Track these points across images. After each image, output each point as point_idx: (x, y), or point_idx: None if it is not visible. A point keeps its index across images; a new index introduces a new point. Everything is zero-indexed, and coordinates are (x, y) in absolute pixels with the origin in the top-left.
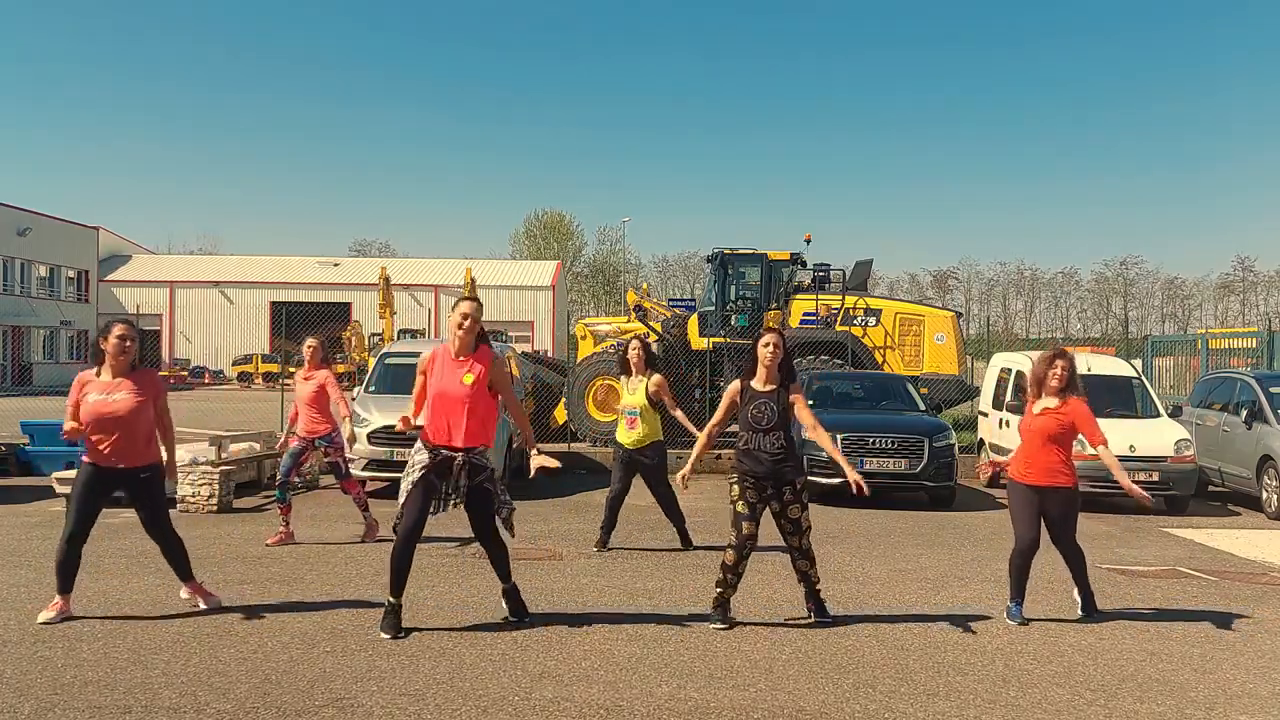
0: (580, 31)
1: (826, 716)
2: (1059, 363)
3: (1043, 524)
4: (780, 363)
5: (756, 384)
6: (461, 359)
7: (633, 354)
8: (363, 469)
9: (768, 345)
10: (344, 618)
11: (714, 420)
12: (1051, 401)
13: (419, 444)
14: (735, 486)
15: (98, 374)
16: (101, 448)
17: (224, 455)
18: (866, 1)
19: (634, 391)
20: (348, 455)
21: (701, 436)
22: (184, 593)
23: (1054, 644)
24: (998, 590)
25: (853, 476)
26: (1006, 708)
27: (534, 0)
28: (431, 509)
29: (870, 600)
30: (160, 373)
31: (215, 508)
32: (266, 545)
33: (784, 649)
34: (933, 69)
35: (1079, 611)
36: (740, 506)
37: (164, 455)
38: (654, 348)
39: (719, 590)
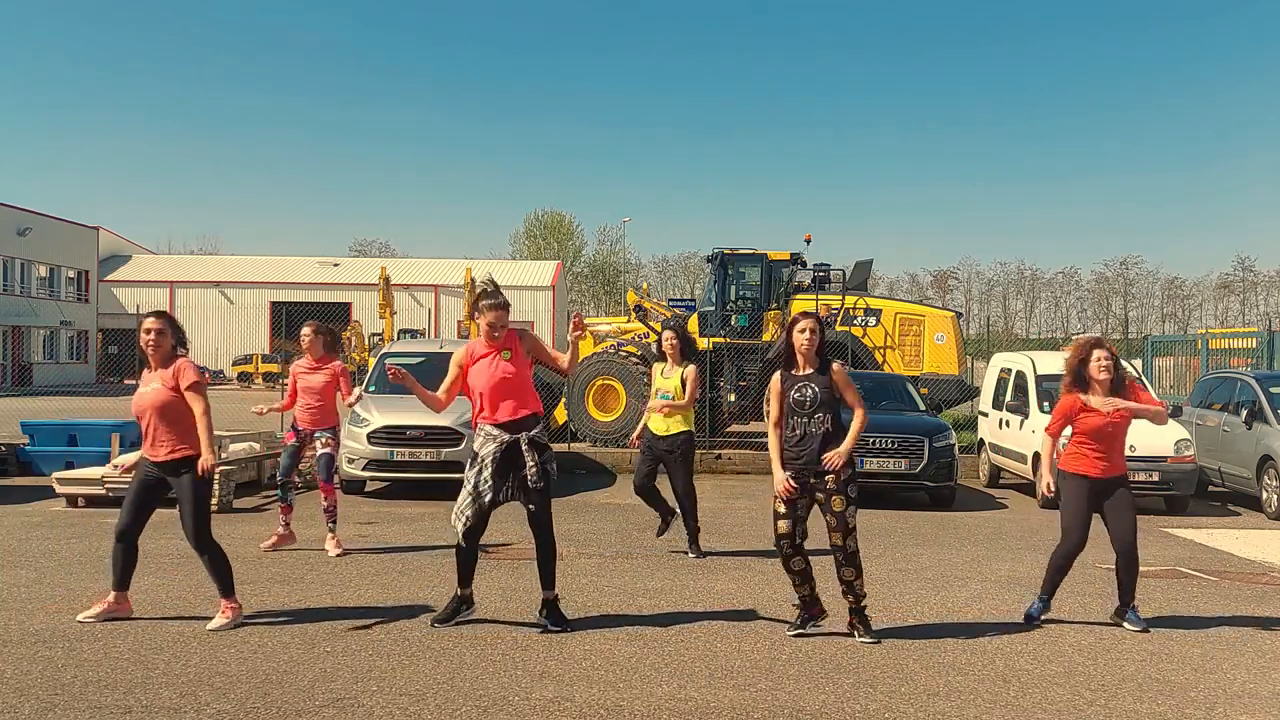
0: (580, 31)
1: (826, 716)
2: (1099, 353)
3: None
4: (819, 347)
5: (797, 370)
6: (491, 344)
7: (669, 345)
8: (362, 469)
9: (804, 331)
10: (344, 618)
11: (774, 419)
12: (1105, 400)
13: (480, 437)
14: (780, 485)
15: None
16: (145, 440)
17: (224, 455)
18: (868, 1)
19: (669, 376)
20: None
21: (773, 437)
22: (222, 611)
23: (1054, 644)
24: (998, 590)
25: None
26: (1006, 708)
27: (534, 0)
28: (502, 497)
29: (870, 600)
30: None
31: (215, 508)
32: (262, 549)
33: (784, 649)
34: (933, 69)
35: (1136, 624)
36: (779, 506)
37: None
38: (656, 348)
39: (797, 593)
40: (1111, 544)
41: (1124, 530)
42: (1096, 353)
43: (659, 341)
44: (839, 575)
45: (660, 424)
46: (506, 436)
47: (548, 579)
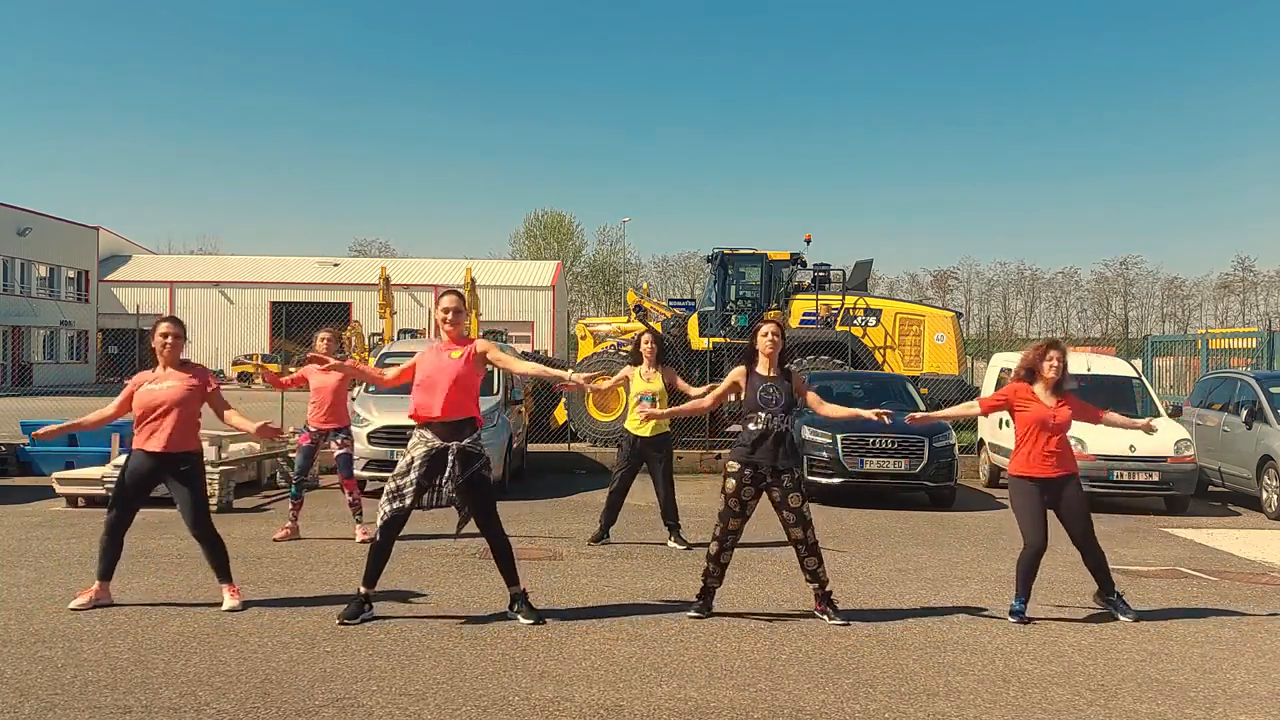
0: (580, 31)
1: (826, 716)
2: (1053, 353)
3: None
4: (780, 354)
5: (761, 370)
6: (449, 345)
7: (646, 347)
8: (362, 469)
9: (766, 335)
10: None
11: (717, 392)
12: (1050, 396)
13: (414, 438)
14: (731, 480)
15: (153, 371)
16: (146, 432)
17: (224, 455)
18: (867, 1)
19: (650, 380)
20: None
21: (706, 399)
22: (226, 597)
23: (1054, 644)
24: (998, 590)
25: (869, 414)
26: (1006, 708)
27: (534, 0)
28: (425, 503)
29: (870, 600)
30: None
31: (215, 508)
32: (273, 540)
33: (784, 649)
34: (932, 68)
35: (1128, 614)
36: (733, 503)
37: (236, 426)
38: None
39: (704, 581)
40: (1072, 542)
41: (1078, 529)
42: (1051, 351)
43: (636, 343)
44: (803, 566)
45: (645, 426)
46: (438, 442)
47: (509, 576)
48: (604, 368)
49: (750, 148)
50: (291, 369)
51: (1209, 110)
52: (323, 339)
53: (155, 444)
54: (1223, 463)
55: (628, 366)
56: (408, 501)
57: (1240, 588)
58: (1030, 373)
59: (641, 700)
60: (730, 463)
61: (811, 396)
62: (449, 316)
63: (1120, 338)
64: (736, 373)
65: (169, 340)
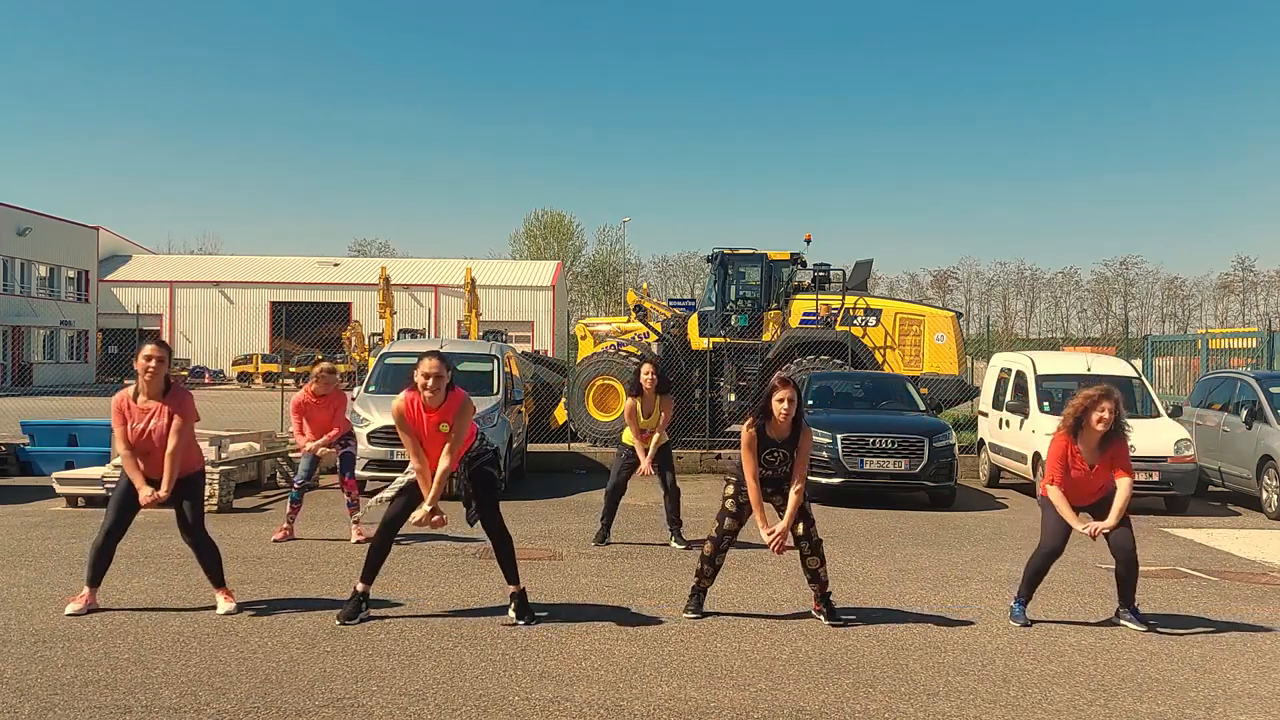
0: (581, 31)
1: (826, 716)
2: (1105, 405)
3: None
4: (795, 415)
5: (772, 434)
6: (433, 410)
7: (646, 378)
8: (363, 469)
9: (782, 401)
10: None
11: (751, 471)
12: (1094, 453)
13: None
14: (731, 486)
15: (135, 397)
16: (143, 466)
17: (224, 455)
18: (866, 1)
19: (648, 415)
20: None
21: (753, 486)
22: (220, 601)
23: (1054, 644)
24: (998, 590)
25: (777, 530)
26: (1006, 708)
27: (534, 1)
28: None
29: (870, 600)
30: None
31: (215, 508)
32: (273, 541)
33: (784, 649)
34: (932, 68)
35: (1138, 623)
36: (730, 505)
37: (168, 467)
38: (656, 348)
39: (696, 580)
40: (1111, 552)
41: (1121, 539)
42: (1105, 403)
43: (636, 374)
44: (805, 565)
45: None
46: None
47: (509, 574)
48: (604, 368)
49: (750, 148)
50: (293, 370)
51: (1209, 110)
52: (325, 376)
53: (153, 475)
54: (1223, 463)
55: (629, 399)
56: (403, 495)
57: (1240, 588)
58: (1077, 423)
59: (641, 700)
60: (733, 476)
61: (803, 465)
62: (430, 384)
63: (1120, 338)
64: (750, 439)
65: (151, 365)
